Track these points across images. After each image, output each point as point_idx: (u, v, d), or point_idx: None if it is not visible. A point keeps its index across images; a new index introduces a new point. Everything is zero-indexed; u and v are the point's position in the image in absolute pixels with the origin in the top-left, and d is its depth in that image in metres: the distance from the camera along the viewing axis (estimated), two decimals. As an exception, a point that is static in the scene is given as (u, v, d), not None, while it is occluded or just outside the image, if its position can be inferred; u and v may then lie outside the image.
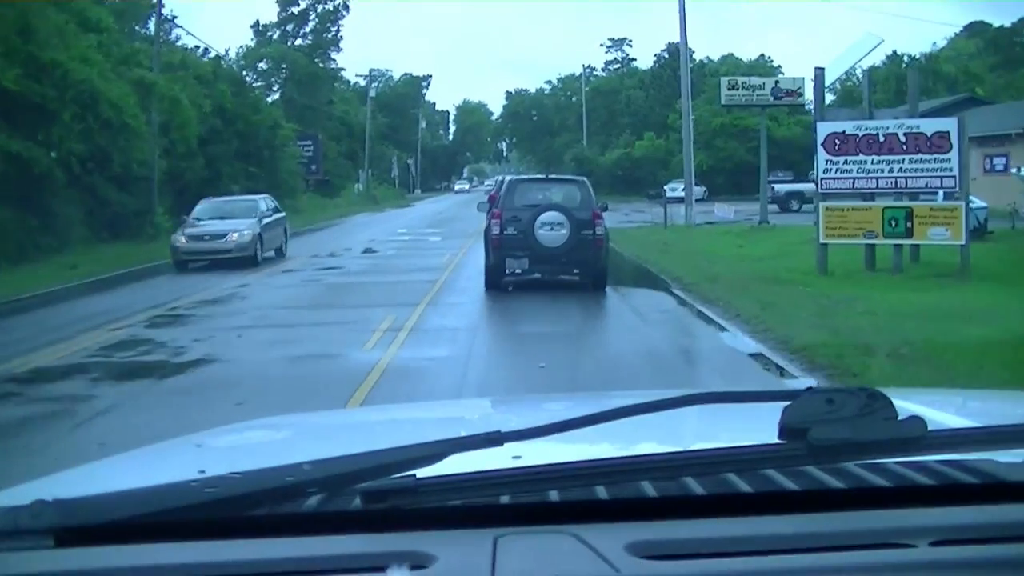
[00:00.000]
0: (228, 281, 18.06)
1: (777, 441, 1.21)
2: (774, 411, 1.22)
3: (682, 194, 42.28)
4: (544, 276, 15.56)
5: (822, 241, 16.93)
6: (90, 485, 1.46)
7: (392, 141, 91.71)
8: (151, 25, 40.31)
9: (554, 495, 1.30)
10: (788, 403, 1.22)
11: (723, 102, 31.03)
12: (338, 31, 74.20)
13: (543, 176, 20.95)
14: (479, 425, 2.05)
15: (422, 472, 1.21)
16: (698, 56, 71.48)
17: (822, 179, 16.91)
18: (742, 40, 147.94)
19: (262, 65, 69.65)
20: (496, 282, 15.61)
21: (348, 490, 1.23)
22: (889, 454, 1.25)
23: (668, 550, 1.18)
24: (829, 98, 35.22)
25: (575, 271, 15.60)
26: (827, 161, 16.80)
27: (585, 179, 17.59)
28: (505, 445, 1.27)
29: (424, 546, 1.17)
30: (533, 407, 2.60)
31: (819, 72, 17.06)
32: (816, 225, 17.18)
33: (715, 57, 71.21)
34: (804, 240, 24.29)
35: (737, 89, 29.73)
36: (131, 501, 1.22)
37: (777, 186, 40.72)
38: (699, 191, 39.65)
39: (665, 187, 56.68)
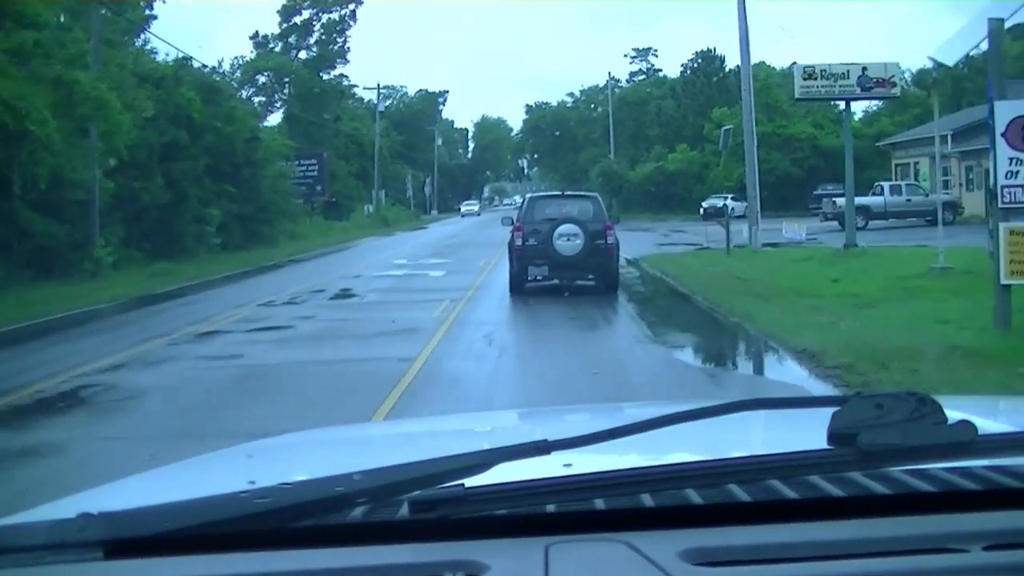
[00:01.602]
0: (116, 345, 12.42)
1: (825, 447, 1.20)
2: (821, 417, 1.21)
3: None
4: (562, 281, 17.29)
5: (1005, 281, 11.05)
6: (138, 496, 1.43)
7: (407, 160, 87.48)
8: (141, 36, 35.18)
9: (602, 503, 1.26)
10: (836, 408, 1.22)
11: (797, 95, 25.18)
12: (345, 43, 69.33)
13: (559, 193, 22.08)
14: (521, 434, 1.84)
15: (471, 481, 1.19)
16: (728, 64, 66.76)
17: (1004, 186, 11.03)
18: (770, 46, 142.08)
19: (262, 79, 64.81)
20: (520, 287, 17.40)
21: (396, 500, 1.22)
22: (939, 459, 1.24)
23: (721, 557, 1.15)
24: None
25: (590, 276, 17.53)
26: (1012, 160, 10.96)
27: (597, 195, 19.88)
28: (552, 454, 1.26)
29: (476, 555, 1.15)
30: (557, 418, 2.57)
31: (995, 25, 11.22)
32: (994, 256, 11.35)
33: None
34: (917, 272, 18.23)
35: (815, 78, 23.78)
36: (180, 512, 1.20)
37: (838, 200, 34.69)
38: (740, 207, 33.63)
39: (703, 203, 51.31)
